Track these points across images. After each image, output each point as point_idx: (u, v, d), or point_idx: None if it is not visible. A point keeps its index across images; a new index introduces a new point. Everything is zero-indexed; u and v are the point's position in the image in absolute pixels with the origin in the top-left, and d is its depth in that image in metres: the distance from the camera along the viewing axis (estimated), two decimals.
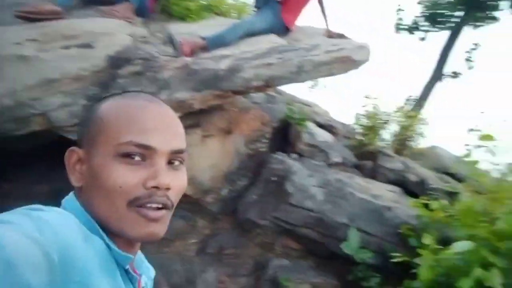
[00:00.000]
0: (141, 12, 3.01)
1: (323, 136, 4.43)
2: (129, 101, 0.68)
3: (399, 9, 10.29)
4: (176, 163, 0.68)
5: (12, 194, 2.87)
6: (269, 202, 3.23)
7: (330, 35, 3.34)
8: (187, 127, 3.02)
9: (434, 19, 9.84)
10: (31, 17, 2.45)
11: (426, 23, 10.11)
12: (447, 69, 9.90)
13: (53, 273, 0.48)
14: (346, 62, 3.01)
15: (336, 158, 4.14)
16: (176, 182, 0.67)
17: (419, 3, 9.99)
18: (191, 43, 2.74)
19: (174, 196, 0.68)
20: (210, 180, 3.35)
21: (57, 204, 0.67)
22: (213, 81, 2.74)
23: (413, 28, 10.26)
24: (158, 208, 0.64)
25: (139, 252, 0.75)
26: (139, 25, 2.82)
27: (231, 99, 3.21)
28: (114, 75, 2.50)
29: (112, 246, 0.63)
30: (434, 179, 4.07)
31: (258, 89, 3.00)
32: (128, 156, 0.63)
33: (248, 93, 3.28)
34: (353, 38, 3.37)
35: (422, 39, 10.38)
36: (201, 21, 3.30)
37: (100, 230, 0.63)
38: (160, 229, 0.66)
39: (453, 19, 9.65)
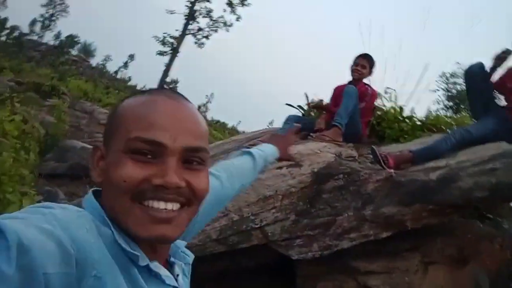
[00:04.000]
0: (354, 137, 3.21)
1: None
2: (146, 98, 0.66)
3: None
4: (195, 163, 0.63)
5: None
6: None
7: None
8: (403, 250, 2.73)
9: None
10: None
11: None
12: None
13: (69, 265, 0.49)
14: None
15: None
16: (195, 182, 0.62)
17: None
18: (394, 156, 2.65)
19: (193, 196, 0.63)
20: None
21: None
22: (423, 194, 2.47)
23: None
24: (167, 209, 0.60)
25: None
26: (348, 148, 2.98)
27: (460, 220, 2.75)
28: (319, 190, 2.64)
29: (120, 241, 0.59)
30: None
31: (485, 202, 2.48)
32: (138, 153, 0.60)
33: (475, 209, 2.73)
34: None
35: None
36: (416, 140, 3.20)
37: (112, 227, 0.60)
38: (171, 231, 0.61)
39: None
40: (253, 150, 1.17)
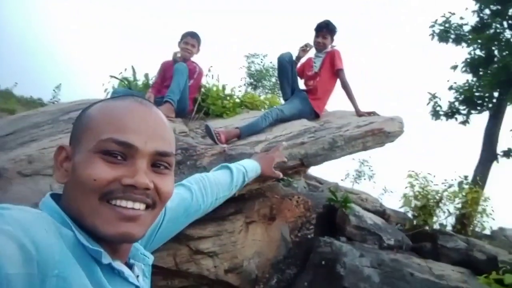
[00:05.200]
0: (182, 113, 3.33)
1: (372, 219, 4.24)
2: (117, 102, 0.68)
3: (434, 96, 10.40)
4: (162, 167, 0.67)
5: None
6: None
7: (361, 114, 3.46)
8: (230, 215, 3.03)
9: (471, 102, 9.81)
10: None
11: (463, 107, 10.07)
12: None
13: (31, 266, 0.48)
14: (379, 135, 3.05)
15: (390, 241, 3.90)
16: (161, 185, 0.65)
17: (450, 89, 10.14)
18: (225, 132, 2.94)
19: (158, 198, 0.66)
20: (257, 269, 3.23)
21: None
22: None
23: (451, 113, 10.22)
24: (134, 208, 0.62)
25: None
26: (179, 123, 3.09)
27: (270, 184, 3.27)
28: None
29: (82, 240, 0.60)
30: (506, 256, 3.68)
31: (295, 169, 3.05)
32: (109, 154, 0.62)
33: (288, 175, 3.32)
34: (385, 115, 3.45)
35: (464, 122, 10.21)
36: (236, 116, 3.57)
37: (73, 226, 0.60)
38: (136, 230, 0.63)
39: (492, 100, 9.56)
40: (232, 165, 1.22)
